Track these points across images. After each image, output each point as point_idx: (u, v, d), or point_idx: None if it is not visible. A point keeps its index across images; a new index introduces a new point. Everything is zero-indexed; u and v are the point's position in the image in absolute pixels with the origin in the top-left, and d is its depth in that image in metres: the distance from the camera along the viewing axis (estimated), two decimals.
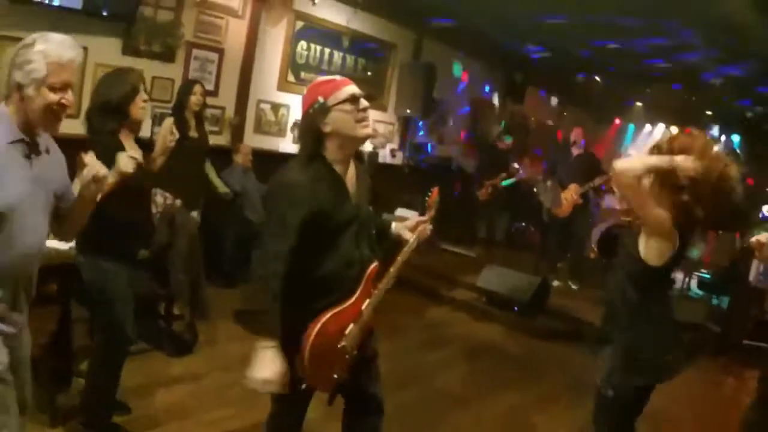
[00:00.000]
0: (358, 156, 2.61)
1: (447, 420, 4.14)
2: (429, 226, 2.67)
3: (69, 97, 2.05)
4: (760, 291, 6.24)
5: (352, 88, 2.38)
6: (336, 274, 2.42)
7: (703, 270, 7.89)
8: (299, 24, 7.15)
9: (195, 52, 6.10)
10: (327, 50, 7.56)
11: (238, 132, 6.69)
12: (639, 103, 10.49)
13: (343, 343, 2.43)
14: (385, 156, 8.70)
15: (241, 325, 4.57)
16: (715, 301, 7.37)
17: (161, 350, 4.26)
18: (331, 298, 2.42)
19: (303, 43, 7.27)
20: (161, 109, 5.59)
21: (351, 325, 2.44)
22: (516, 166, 8.99)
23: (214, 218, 5.71)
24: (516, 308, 6.61)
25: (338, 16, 7.54)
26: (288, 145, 7.29)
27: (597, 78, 9.12)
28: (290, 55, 7.13)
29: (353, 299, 2.45)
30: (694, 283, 7.90)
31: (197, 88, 4.89)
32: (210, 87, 6.08)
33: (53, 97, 2.01)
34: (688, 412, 4.75)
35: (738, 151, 9.92)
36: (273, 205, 2.39)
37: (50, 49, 2.01)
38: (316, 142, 2.38)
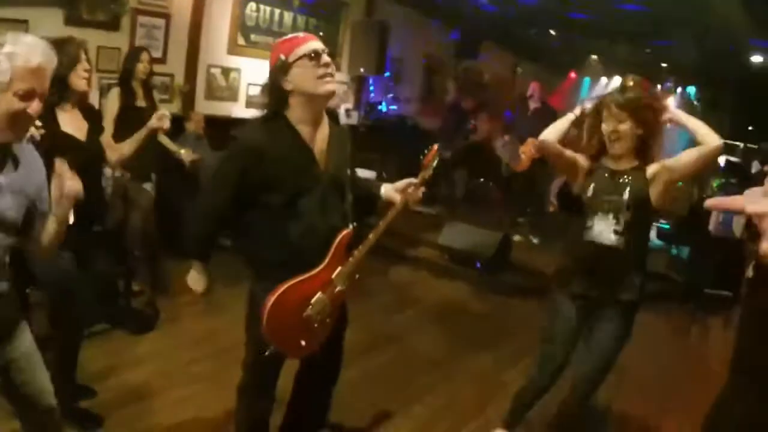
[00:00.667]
0: (333, 117, 2.54)
1: (420, 381, 4.14)
2: (421, 189, 2.54)
3: (35, 106, 1.86)
4: (720, 239, 6.36)
5: (314, 44, 2.32)
6: (298, 243, 2.35)
7: (661, 220, 8.01)
8: None
9: (141, 18, 5.87)
10: (277, 11, 7.36)
11: (188, 99, 6.50)
12: (594, 56, 10.53)
13: (308, 312, 2.38)
14: (340, 116, 8.56)
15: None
16: (674, 251, 7.49)
17: (123, 328, 4.16)
18: (294, 266, 2.35)
19: (252, 5, 7.04)
20: (108, 80, 5.36)
21: (318, 294, 2.39)
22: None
23: (170, 190, 5.55)
24: (479, 264, 6.63)
25: None
26: (241, 109, 7.12)
27: (552, 32, 9.08)
28: (239, 18, 6.91)
29: (321, 267, 2.39)
30: (653, 234, 8.02)
31: (144, 56, 4.69)
32: (158, 54, 5.85)
33: (17, 105, 1.82)
34: (652, 363, 4.85)
35: (695, 102, 10.06)
36: (220, 159, 2.49)
37: (18, 51, 1.81)
38: (279, 101, 2.34)
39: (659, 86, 9.50)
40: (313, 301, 2.38)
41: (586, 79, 12.07)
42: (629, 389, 4.20)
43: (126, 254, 4.56)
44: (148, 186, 4.87)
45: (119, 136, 4.51)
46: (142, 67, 4.67)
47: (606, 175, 2.85)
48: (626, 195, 2.76)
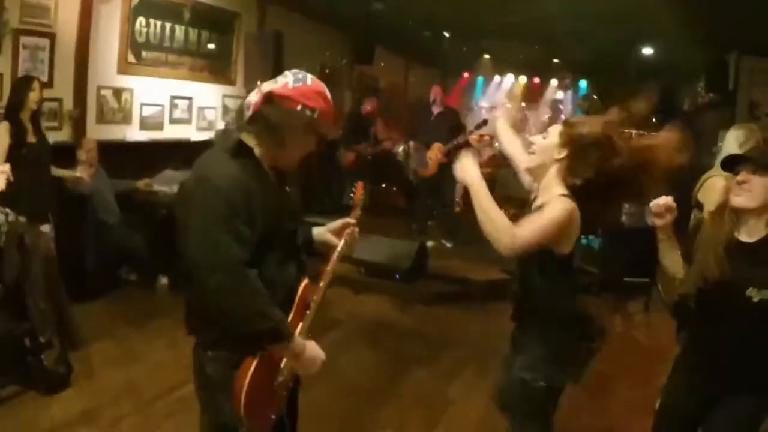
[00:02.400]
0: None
1: (362, 410, 3.96)
2: (356, 228, 2.42)
3: None
4: (630, 229, 6.57)
5: (333, 131, 2.17)
6: None
7: None
8: None
9: (23, 39, 5.30)
10: (168, 25, 6.90)
11: (79, 125, 5.98)
12: (486, 56, 10.72)
13: (279, 379, 2.15)
14: None
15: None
16: (584, 242, 7.68)
17: (35, 389, 3.74)
18: None
19: (142, 20, 6.55)
20: None
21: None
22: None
23: (66, 227, 5.08)
24: (397, 276, 6.53)
25: None
26: (135, 132, 6.65)
27: (445, 33, 9.11)
28: (129, 34, 6.43)
29: None
30: None
31: (35, 84, 4.28)
32: (44, 78, 5.32)
33: None
34: None
35: (595, 96, 10.42)
36: (207, 208, 1.92)
37: None
38: (269, 135, 2.03)
39: (555, 82, 9.80)
40: (282, 365, 2.15)
41: (480, 79, 12.31)
42: None
43: (28, 309, 4.12)
44: (46, 228, 4.44)
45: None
46: (34, 96, 4.26)
47: None
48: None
